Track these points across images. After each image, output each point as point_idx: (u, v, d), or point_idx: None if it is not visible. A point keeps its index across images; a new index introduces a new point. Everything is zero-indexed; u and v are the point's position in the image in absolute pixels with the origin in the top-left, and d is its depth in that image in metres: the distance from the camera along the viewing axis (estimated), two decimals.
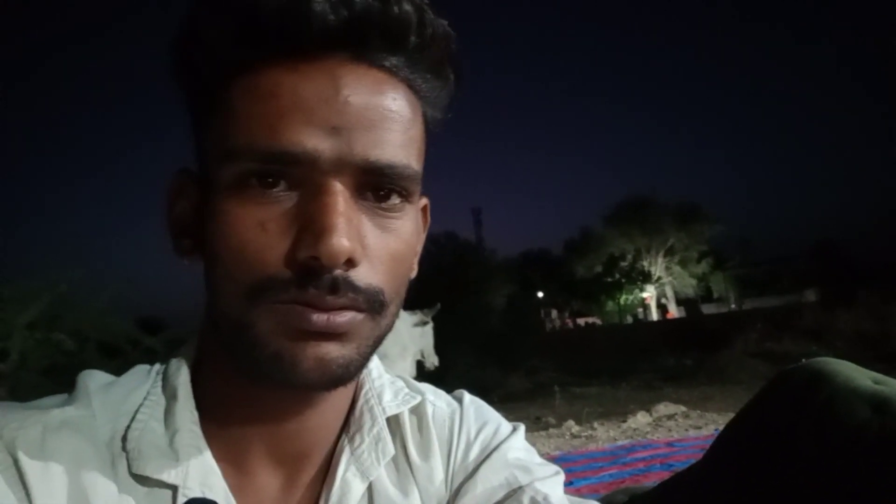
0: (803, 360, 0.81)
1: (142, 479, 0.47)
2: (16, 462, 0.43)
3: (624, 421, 6.42)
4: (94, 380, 0.53)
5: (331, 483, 0.54)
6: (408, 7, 0.45)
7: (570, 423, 6.50)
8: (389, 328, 0.50)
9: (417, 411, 0.62)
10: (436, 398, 0.65)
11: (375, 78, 0.46)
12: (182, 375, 0.52)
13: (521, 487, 0.58)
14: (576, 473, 4.11)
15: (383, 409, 0.59)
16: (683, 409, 6.77)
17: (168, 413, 0.50)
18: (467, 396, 0.68)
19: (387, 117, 0.46)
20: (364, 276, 0.45)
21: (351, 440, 0.57)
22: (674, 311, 41.31)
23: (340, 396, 0.57)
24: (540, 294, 42.04)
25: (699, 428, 5.79)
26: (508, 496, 0.57)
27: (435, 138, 0.54)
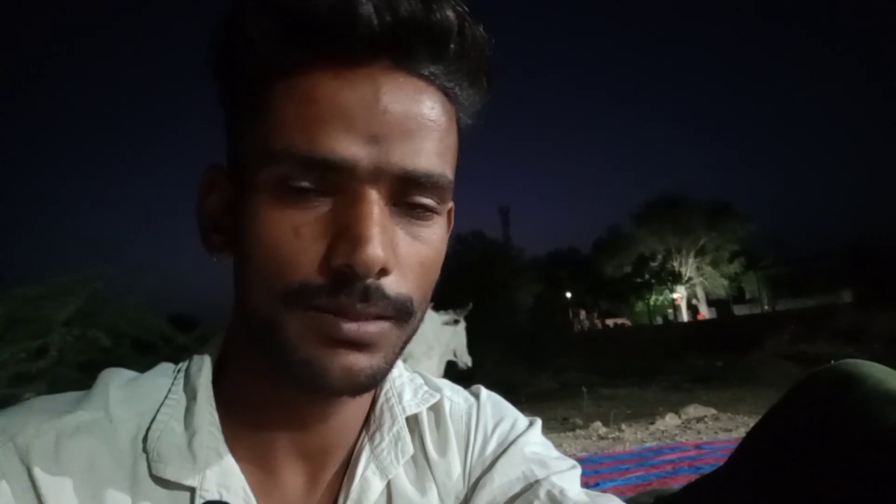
0: (832, 361, 0.80)
1: (161, 481, 0.47)
2: (29, 472, 0.43)
3: (652, 422, 6.34)
4: (114, 378, 0.53)
5: (350, 480, 0.55)
6: (450, 14, 0.46)
7: (598, 424, 6.44)
8: (414, 332, 0.51)
9: (435, 408, 0.63)
10: (453, 394, 0.66)
11: (415, 86, 0.46)
12: (203, 375, 0.53)
13: (537, 481, 0.58)
14: (602, 475, 4.08)
15: (403, 409, 0.60)
16: (713, 411, 6.66)
17: (188, 413, 0.51)
18: (484, 392, 0.68)
19: (424, 126, 0.46)
20: (395, 284, 0.46)
21: (371, 438, 0.58)
22: (705, 312, 40.66)
23: (362, 398, 0.57)
24: (568, 294, 41.75)
25: (729, 431, 5.69)
26: (525, 490, 0.58)
27: (464, 143, 0.54)
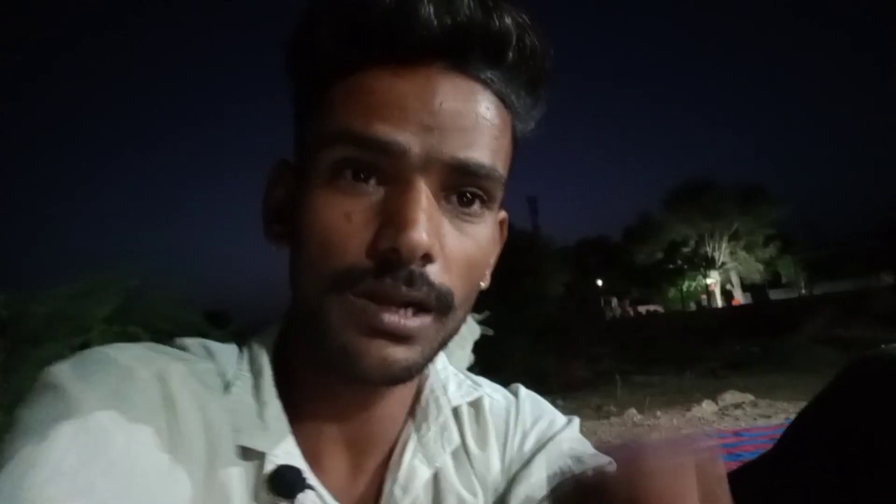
0: (882, 346, 0.77)
1: (237, 447, 0.50)
2: (166, 388, 0.46)
3: (688, 410, 6.28)
4: (201, 343, 0.56)
5: (397, 468, 0.56)
6: (509, 22, 0.46)
7: (632, 411, 6.40)
8: (455, 332, 0.51)
9: (476, 404, 0.64)
10: (493, 391, 0.67)
11: (471, 88, 0.47)
12: (264, 356, 0.55)
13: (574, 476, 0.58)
14: None
15: (448, 400, 0.60)
16: (751, 397, 6.56)
17: (255, 388, 0.53)
18: (523, 390, 0.69)
19: (479, 123, 0.47)
20: (438, 274, 0.47)
21: (418, 428, 0.59)
22: (739, 298, 39.96)
23: (406, 389, 0.58)
24: (599, 282, 41.41)
25: (768, 417, 5.61)
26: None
27: (519, 154, 0.54)
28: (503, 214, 0.60)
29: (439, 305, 0.47)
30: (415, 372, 0.49)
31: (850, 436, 0.70)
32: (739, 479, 0.94)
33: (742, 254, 38.98)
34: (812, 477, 0.74)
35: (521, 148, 0.54)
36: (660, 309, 41.53)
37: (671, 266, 40.52)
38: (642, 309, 42.64)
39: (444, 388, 0.61)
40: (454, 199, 0.48)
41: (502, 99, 0.50)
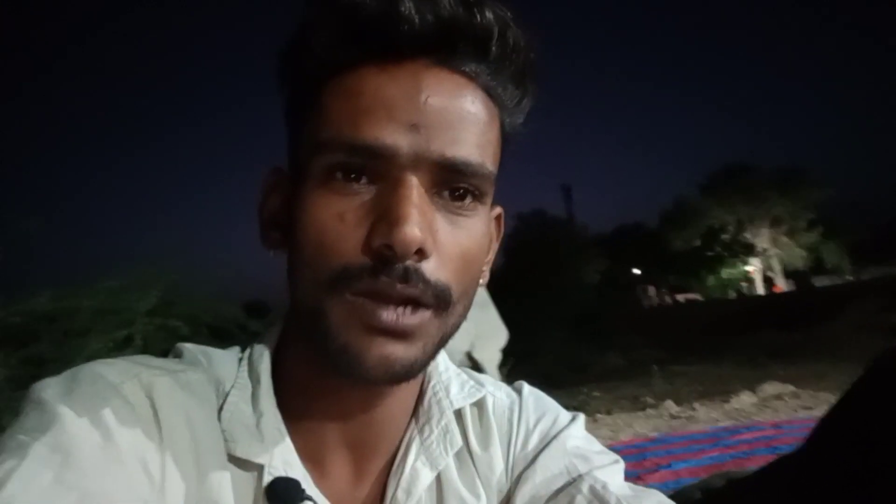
0: None
1: (233, 458, 0.51)
2: (152, 402, 0.47)
3: (726, 401, 6.17)
4: (198, 351, 0.57)
5: (400, 471, 0.57)
6: (491, 17, 0.48)
7: (669, 402, 6.32)
8: (456, 328, 0.52)
9: (479, 403, 0.64)
10: (496, 390, 0.67)
11: (456, 82, 0.48)
12: (264, 362, 0.56)
13: (580, 476, 0.58)
14: (675, 455, 4.01)
15: (451, 402, 0.61)
16: (792, 388, 6.42)
17: (254, 397, 0.54)
18: (526, 388, 0.69)
19: (464, 118, 0.48)
20: (434, 270, 0.47)
21: (420, 431, 0.59)
22: (781, 285, 38.92)
23: (408, 391, 0.59)
24: (635, 270, 40.81)
25: (810, 409, 5.48)
26: (568, 484, 0.58)
27: (510, 146, 0.55)
28: (498, 210, 0.60)
29: (437, 301, 0.48)
30: (416, 369, 0.49)
31: (876, 433, 0.69)
32: (771, 475, 0.93)
33: (783, 239, 37.90)
34: (846, 472, 0.73)
35: (510, 143, 0.55)
36: (699, 297, 40.74)
37: (709, 253, 39.63)
38: (680, 297, 41.91)
39: (447, 390, 0.61)
40: (446, 194, 0.49)
41: (488, 93, 0.51)
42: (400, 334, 0.47)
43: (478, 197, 0.50)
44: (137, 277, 4.37)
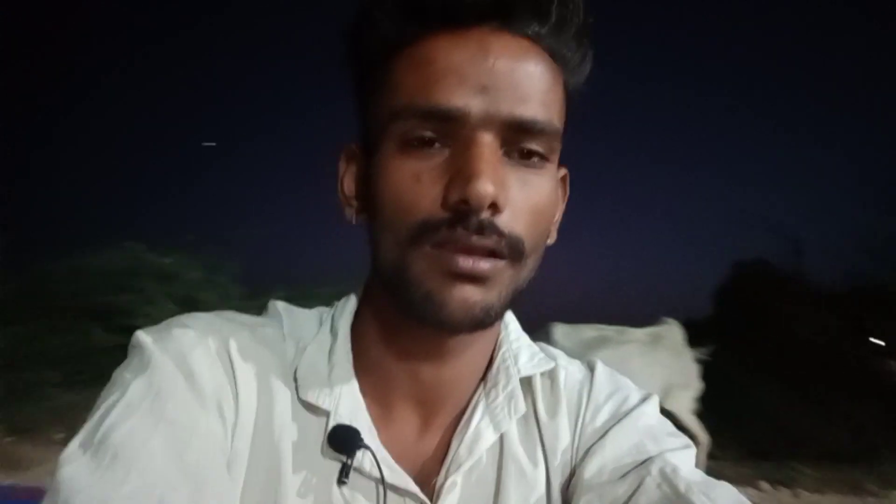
0: None
1: (304, 403, 0.57)
2: (229, 355, 0.55)
3: None
4: (283, 309, 0.65)
5: (465, 429, 0.60)
6: None
7: None
8: (527, 280, 0.55)
9: (550, 375, 0.66)
10: (568, 364, 0.68)
11: (520, 45, 0.51)
12: (345, 318, 0.62)
13: (650, 458, 0.58)
14: None
15: (518, 370, 0.63)
16: None
17: (331, 351, 0.60)
18: (600, 364, 0.69)
19: (530, 79, 0.51)
20: (507, 222, 0.50)
21: (487, 394, 0.62)
22: None
23: (479, 353, 0.62)
24: (876, 340, 34.97)
25: None
26: (637, 464, 0.58)
27: (575, 108, 0.57)
28: (564, 171, 0.62)
29: (511, 252, 0.51)
30: (494, 315, 0.52)
31: None
32: None
33: None
34: None
35: (573, 102, 0.57)
36: None
37: None
38: None
39: (516, 359, 0.64)
40: (515, 154, 0.52)
41: (551, 54, 0.53)
42: (478, 278, 0.50)
43: (545, 155, 0.53)
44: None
